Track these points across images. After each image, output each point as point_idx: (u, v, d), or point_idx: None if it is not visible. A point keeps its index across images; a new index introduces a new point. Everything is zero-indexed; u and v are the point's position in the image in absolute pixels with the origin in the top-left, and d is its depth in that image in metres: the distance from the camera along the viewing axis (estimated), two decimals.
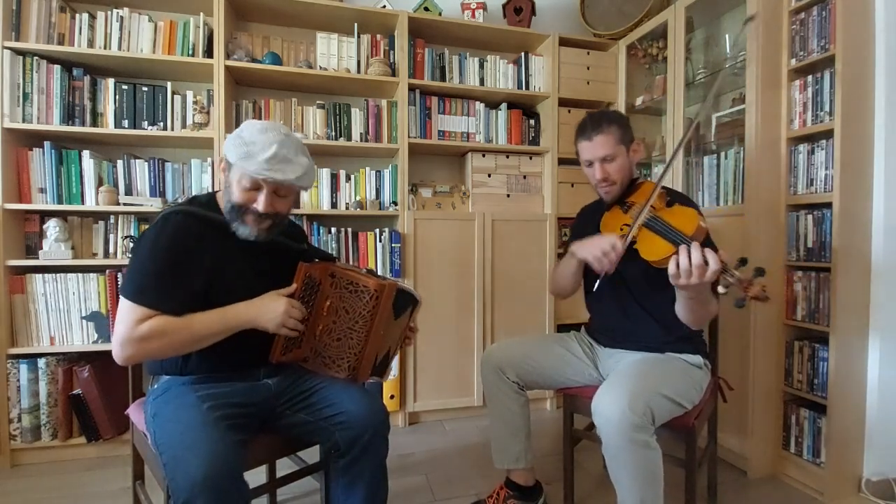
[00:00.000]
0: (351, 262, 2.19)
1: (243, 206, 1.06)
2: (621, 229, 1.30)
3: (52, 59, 1.89)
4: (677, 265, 1.05)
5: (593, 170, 1.39)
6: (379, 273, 1.24)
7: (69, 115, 1.92)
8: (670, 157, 1.36)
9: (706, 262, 1.02)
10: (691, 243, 1.07)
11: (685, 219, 1.20)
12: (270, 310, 1.05)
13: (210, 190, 2.01)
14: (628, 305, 1.40)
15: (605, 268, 1.23)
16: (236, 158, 1.01)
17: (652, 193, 1.26)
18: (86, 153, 1.92)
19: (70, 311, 1.86)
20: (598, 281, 1.28)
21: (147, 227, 1.08)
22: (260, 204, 1.05)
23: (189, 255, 1.03)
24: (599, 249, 1.23)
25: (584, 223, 1.57)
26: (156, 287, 0.99)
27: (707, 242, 1.20)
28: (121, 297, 1.00)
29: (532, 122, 2.50)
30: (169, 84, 2.04)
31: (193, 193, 2.04)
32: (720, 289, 1.05)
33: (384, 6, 2.24)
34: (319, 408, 1.12)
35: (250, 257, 1.13)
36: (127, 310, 0.97)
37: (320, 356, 1.15)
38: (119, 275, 1.89)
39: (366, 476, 1.10)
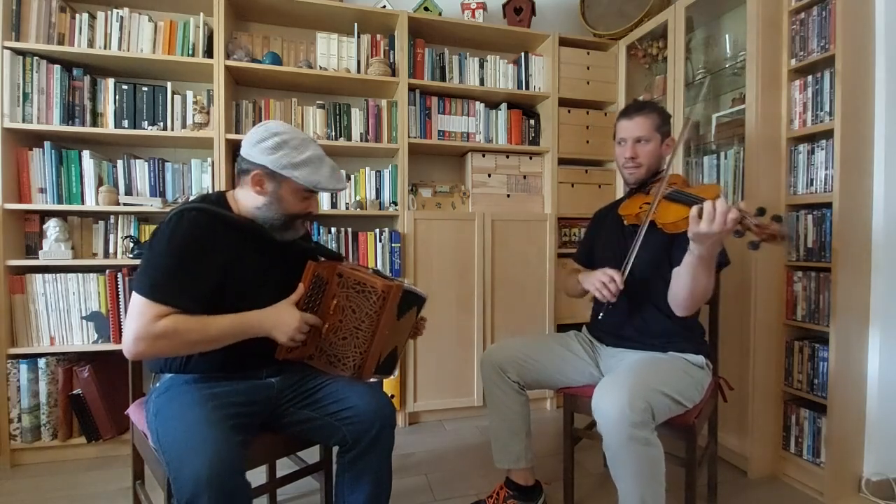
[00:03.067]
0: (352, 262, 2.19)
1: (297, 215, 1.14)
2: (641, 208, 1.33)
3: (52, 59, 1.89)
4: (700, 210, 1.05)
5: (624, 148, 1.44)
6: (385, 273, 1.25)
7: (69, 115, 1.92)
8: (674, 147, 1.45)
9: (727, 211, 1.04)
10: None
11: (706, 189, 1.24)
12: (284, 322, 1.06)
13: (211, 190, 2.03)
14: (635, 294, 1.40)
15: (608, 298, 1.29)
16: (303, 179, 1.07)
17: (666, 171, 1.32)
18: (86, 153, 1.92)
19: (70, 311, 1.86)
20: (602, 310, 1.36)
21: (158, 224, 1.08)
22: (316, 208, 1.19)
23: (204, 251, 1.03)
24: (599, 281, 1.30)
25: (600, 221, 1.62)
26: (171, 283, 0.99)
27: None
28: (134, 292, 0.99)
29: (532, 122, 2.50)
30: (169, 84, 2.04)
31: (194, 193, 2.05)
32: (735, 233, 1.06)
33: (384, 6, 2.24)
34: (325, 404, 1.12)
35: (263, 255, 1.14)
36: (142, 305, 0.97)
37: (325, 354, 1.16)
38: (119, 275, 1.89)
39: (372, 470, 1.10)
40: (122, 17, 1.94)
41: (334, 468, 1.17)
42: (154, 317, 0.96)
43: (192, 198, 1.26)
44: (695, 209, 1.06)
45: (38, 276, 1.83)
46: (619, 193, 2.48)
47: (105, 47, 1.94)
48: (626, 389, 1.11)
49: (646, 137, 1.41)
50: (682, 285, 1.23)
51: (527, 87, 2.44)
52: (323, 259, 1.20)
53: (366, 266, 1.25)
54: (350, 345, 1.13)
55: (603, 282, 1.29)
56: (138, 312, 0.96)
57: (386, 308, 1.11)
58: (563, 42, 2.44)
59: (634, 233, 1.31)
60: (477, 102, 2.41)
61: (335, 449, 1.15)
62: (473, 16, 2.39)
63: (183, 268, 1.00)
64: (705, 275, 1.18)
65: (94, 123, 1.96)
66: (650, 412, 1.10)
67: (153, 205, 1.95)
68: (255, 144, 1.07)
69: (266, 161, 1.06)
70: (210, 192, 1.27)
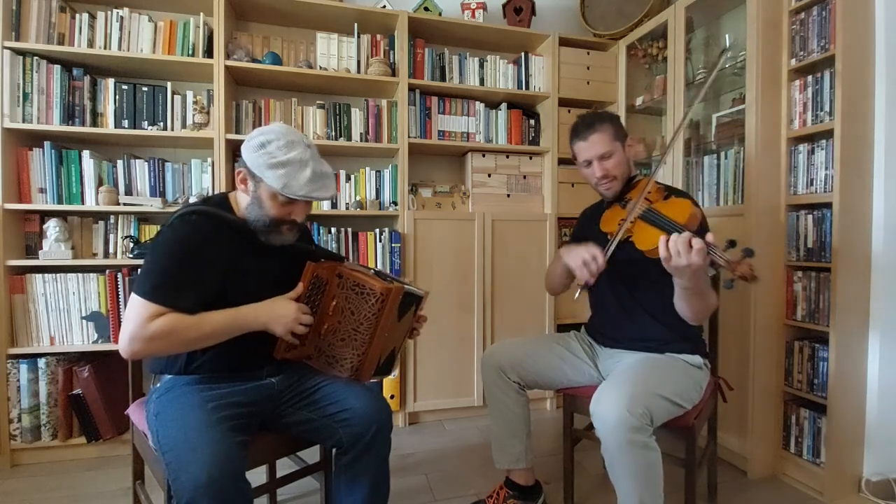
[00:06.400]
0: (353, 263, 2.19)
1: (280, 220, 1.09)
2: (619, 224, 1.31)
3: (52, 59, 1.89)
4: (667, 247, 1.06)
5: (592, 169, 1.40)
6: (389, 274, 1.24)
7: (69, 115, 1.92)
8: (663, 153, 1.38)
9: (692, 244, 1.03)
10: (683, 231, 1.09)
11: (678, 208, 1.23)
12: (281, 314, 1.06)
13: (211, 190, 2.02)
14: (628, 303, 1.40)
15: (586, 278, 1.24)
16: (274, 182, 1.02)
17: (645, 187, 1.29)
18: (86, 153, 1.92)
19: (70, 311, 1.86)
20: (580, 289, 1.30)
21: (160, 225, 1.08)
22: (300, 216, 1.11)
23: (205, 254, 1.04)
24: (581, 258, 1.25)
25: (586, 224, 1.59)
26: (170, 285, 0.99)
27: (702, 227, 1.22)
28: (133, 293, 0.99)
29: (532, 122, 2.50)
30: (169, 84, 2.04)
31: (194, 193, 2.04)
32: (709, 270, 1.07)
33: (384, 6, 2.24)
34: (323, 405, 1.12)
35: (263, 258, 1.14)
36: (138, 306, 0.97)
37: (324, 355, 1.16)
38: (119, 275, 1.89)
39: (368, 473, 1.10)
40: (122, 17, 1.94)
41: (333, 469, 1.17)
42: (149, 317, 0.96)
43: (193, 199, 1.26)
44: (661, 249, 1.06)
45: (38, 276, 1.83)
46: None
47: (105, 47, 1.94)
48: (624, 394, 1.11)
49: (608, 151, 1.36)
50: (679, 305, 1.24)
51: (527, 87, 2.44)
52: (324, 260, 1.20)
53: (367, 266, 1.24)
54: (348, 346, 1.13)
55: (585, 260, 1.24)
56: (135, 313, 0.97)
57: (385, 311, 1.10)
58: (563, 42, 2.43)
59: (620, 246, 1.30)
60: (477, 102, 2.41)
61: (335, 449, 1.15)
62: (473, 16, 2.39)
63: (183, 270, 1.01)
64: (698, 299, 1.18)
65: (94, 123, 1.96)
66: (649, 416, 1.10)
67: (153, 205, 1.95)
68: (247, 142, 1.08)
69: (247, 159, 1.06)
70: (213, 193, 1.26)
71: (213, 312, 1.03)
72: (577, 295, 1.29)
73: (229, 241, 1.08)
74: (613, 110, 2.53)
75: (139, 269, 1.03)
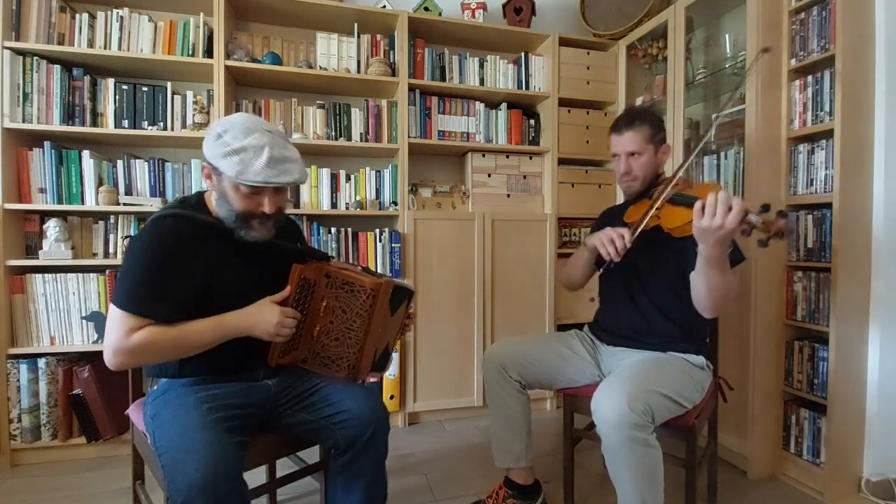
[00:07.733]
0: (350, 262, 2.19)
1: (248, 213, 1.04)
2: (645, 212, 1.31)
3: (52, 59, 1.89)
4: (703, 204, 1.04)
5: (619, 163, 1.45)
6: (376, 270, 1.23)
7: (69, 115, 1.92)
8: (692, 153, 1.37)
9: (731, 206, 1.02)
10: None
11: (707, 188, 1.23)
12: (264, 320, 1.04)
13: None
14: (639, 296, 1.41)
15: (611, 254, 1.26)
16: (229, 170, 0.97)
17: (674, 175, 1.30)
18: (86, 153, 1.92)
19: (70, 311, 1.86)
20: (604, 266, 1.30)
21: (139, 230, 1.06)
22: (267, 207, 1.04)
23: (182, 259, 1.01)
24: (607, 236, 1.27)
25: (607, 220, 1.60)
26: (147, 295, 0.97)
27: None
28: (111, 304, 0.97)
29: (532, 122, 2.50)
30: (169, 84, 2.04)
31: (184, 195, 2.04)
32: (742, 232, 1.06)
33: (384, 6, 2.24)
34: (320, 407, 1.12)
35: (245, 258, 1.12)
36: (119, 318, 0.96)
37: (319, 357, 1.15)
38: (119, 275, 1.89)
39: (365, 475, 1.10)
40: (122, 17, 1.94)
41: (330, 470, 1.17)
42: (131, 329, 0.95)
43: (170, 201, 1.23)
44: (698, 204, 1.05)
45: (38, 276, 1.83)
46: (620, 193, 2.48)
47: (105, 47, 1.94)
48: (625, 391, 1.11)
49: (638, 151, 1.41)
50: (698, 286, 1.22)
51: (527, 87, 2.44)
52: (310, 260, 1.19)
53: (354, 264, 1.23)
54: (343, 345, 1.12)
55: (612, 237, 1.26)
56: (116, 325, 0.95)
57: (377, 306, 1.10)
58: (563, 42, 2.43)
59: (640, 238, 1.28)
60: (477, 102, 2.41)
61: (333, 450, 1.15)
62: (473, 16, 2.39)
63: (160, 278, 0.98)
64: (718, 275, 1.15)
65: (94, 123, 1.96)
66: (650, 414, 1.10)
67: (153, 205, 1.95)
68: (206, 135, 1.05)
69: (206, 152, 1.02)
70: (189, 194, 1.23)
71: (197, 321, 1.01)
72: (602, 270, 1.33)
73: (208, 242, 1.06)
74: (613, 110, 2.53)
75: (117, 275, 1.01)
